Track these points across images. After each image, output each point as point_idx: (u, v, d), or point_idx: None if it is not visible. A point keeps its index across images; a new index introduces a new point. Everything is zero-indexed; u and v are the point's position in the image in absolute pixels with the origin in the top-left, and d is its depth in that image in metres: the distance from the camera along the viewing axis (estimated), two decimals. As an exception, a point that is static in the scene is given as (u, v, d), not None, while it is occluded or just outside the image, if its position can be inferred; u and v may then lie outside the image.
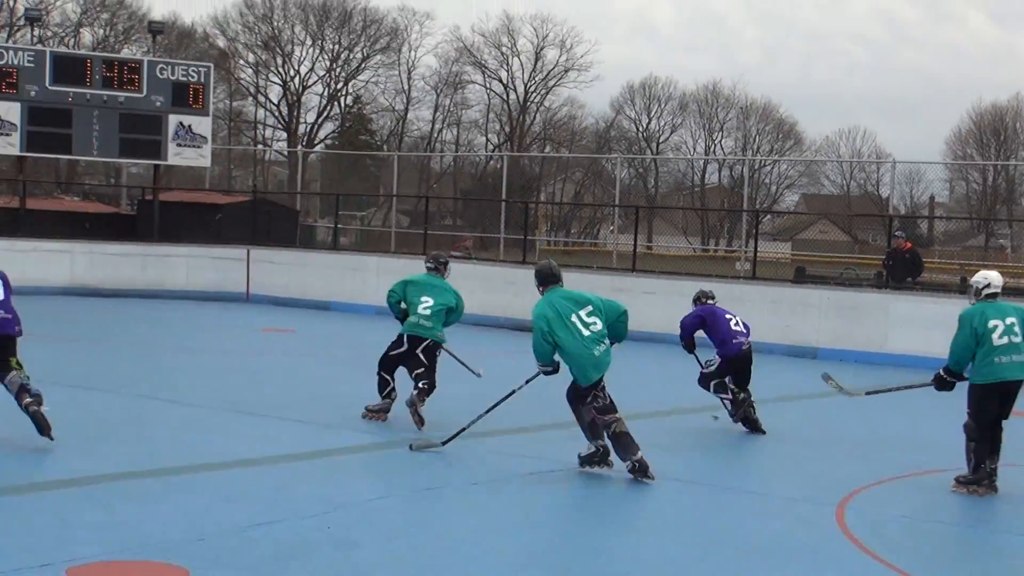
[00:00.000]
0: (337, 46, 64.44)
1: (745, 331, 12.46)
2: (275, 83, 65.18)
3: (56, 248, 27.11)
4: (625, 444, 9.41)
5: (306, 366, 16.80)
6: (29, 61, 27.91)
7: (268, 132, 66.62)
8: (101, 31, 59.76)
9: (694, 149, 68.21)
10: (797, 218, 53.58)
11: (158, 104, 28.95)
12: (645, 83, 68.51)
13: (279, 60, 64.50)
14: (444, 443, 10.30)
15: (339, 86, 65.26)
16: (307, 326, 22.14)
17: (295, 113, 64.53)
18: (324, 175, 56.31)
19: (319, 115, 65.10)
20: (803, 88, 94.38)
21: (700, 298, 13.00)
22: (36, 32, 37.80)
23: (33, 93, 27.75)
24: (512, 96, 66.52)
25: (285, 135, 64.90)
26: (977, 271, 10.25)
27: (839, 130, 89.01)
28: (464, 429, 10.22)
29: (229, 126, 63.09)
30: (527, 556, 7.36)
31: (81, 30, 59.04)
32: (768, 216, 46.46)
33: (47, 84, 27.83)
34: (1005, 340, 9.51)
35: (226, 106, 61.79)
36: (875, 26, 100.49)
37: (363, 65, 64.88)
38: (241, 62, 64.59)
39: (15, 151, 28.46)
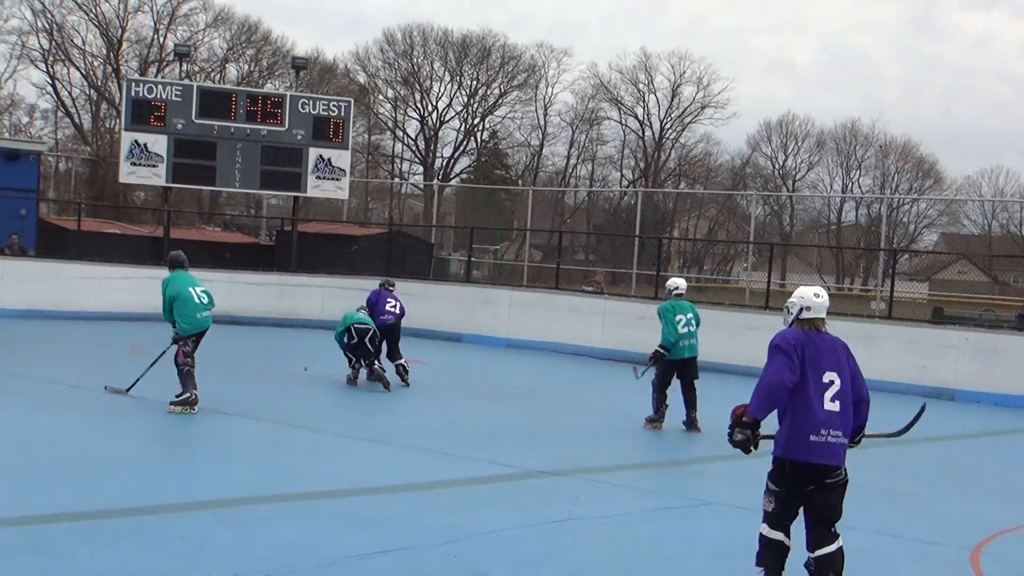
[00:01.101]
0: (475, 82, 65.15)
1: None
2: (413, 118, 66.08)
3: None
4: None
5: (436, 397, 16.93)
6: (177, 95, 28.68)
7: (405, 166, 67.53)
8: (246, 66, 61.17)
9: (831, 187, 67.44)
10: (936, 258, 52.63)
11: (299, 137, 29.54)
12: (782, 120, 68.12)
13: (417, 95, 65.37)
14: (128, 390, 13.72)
15: (476, 121, 65.93)
16: (438, 357, 22.32)
17: (432, 147, 65.29)
18: (459, 208, 56.80)
19: (455, 149, 65.85)
20: (945, 126, 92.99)
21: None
22: (184, 67, 38.77)
23: (180, 126, 28.52)
24: (647, 132, 66.52)
25: (422, 169, 65.67)
26: None
27: (981, 169, 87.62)
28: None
29: (367, 159, 63.99)
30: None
31: (227, 65, 60.49)
32: (906, 255, 45.66)
33: (193, 118, 28.58)
34: None
35: (365, 140, 62.73)
36: (1021, 64, 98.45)
37: (500, 101, 65.49)
38: (380, 97, 65.59)
39: (161, 182, 29.24)
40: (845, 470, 7.01)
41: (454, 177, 65.00)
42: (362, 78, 65.37)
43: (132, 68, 57.07)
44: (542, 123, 65.94)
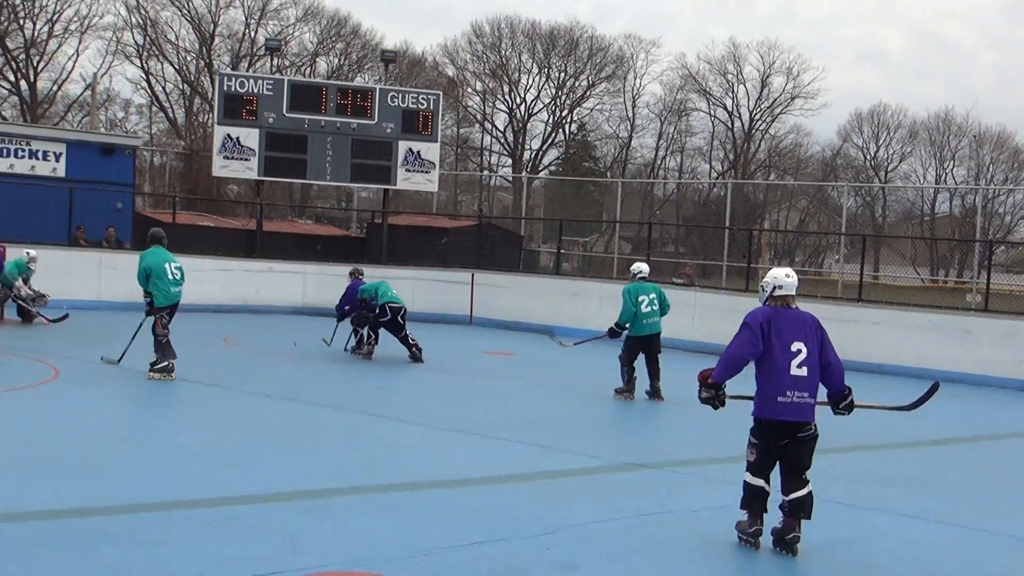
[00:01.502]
0: (563, 74, 65.08)
1: None
2: (501, 110, 66.17)
3: (289, 269, 28.05)
4: None
5: (525, 388, 16.97)
6: (268, 89, 28.99)
7: (494, 158, 67.60)
8: (335, 60, 61.63)
9: (924, 177, 66.54)
10: (1033, 249, 51.62)
11: (389, 131, 29.72)
12: (874, 111, 67.23)
13: (506, 88, 65.44)
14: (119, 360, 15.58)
15: (564, 113, 65.87)
16: (527, 349, 22.37)
17: (520, 140, 65.36)
18: (548, 201, 56.79)
19: (544, 142, 65.81)
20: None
21: None
22: (275, 62, 39.16)
23: (271, 120, 28.83)
24: (737, 123, 66.04)
25: (510, 161, 65.75)
26: None
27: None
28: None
29: (456, 152, 64.20)
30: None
31: (317, 59, 61.00)
32: (1002, 247, 44.89)
33: (284, 111, 28.88)
34: None
35: (453, 133, 62.91)
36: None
37: (588, 92, 65.36)
38: (469, 90, 65.74)
39: (254, 175, 29.57)
40: (815, 426, 8.08)
41: (543, 169, 64.98)
42: (450, 71, 65.62)
43: (224, 63, 57.75)
44: (630, 115, 65.74)
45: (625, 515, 8.93)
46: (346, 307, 19.84)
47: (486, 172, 65.02)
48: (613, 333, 16.02)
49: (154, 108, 61.61)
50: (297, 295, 27.96)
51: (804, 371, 7.99)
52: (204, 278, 26.74)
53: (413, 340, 19.23)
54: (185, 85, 59.59)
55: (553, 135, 65.98)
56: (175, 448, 10.50)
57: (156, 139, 59.71)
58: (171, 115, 60.55)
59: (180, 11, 58.54)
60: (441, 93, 34.17)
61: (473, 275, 28.40)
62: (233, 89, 29.04)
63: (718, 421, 10.20)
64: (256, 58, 58.29)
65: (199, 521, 7.83)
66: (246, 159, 28.97)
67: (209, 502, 8.41)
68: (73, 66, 61.78)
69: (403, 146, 30.01)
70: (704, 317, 23.69)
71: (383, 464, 10.39)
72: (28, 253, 21.58)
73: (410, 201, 46.64)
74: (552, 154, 66.87)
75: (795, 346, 8.03)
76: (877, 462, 11.88)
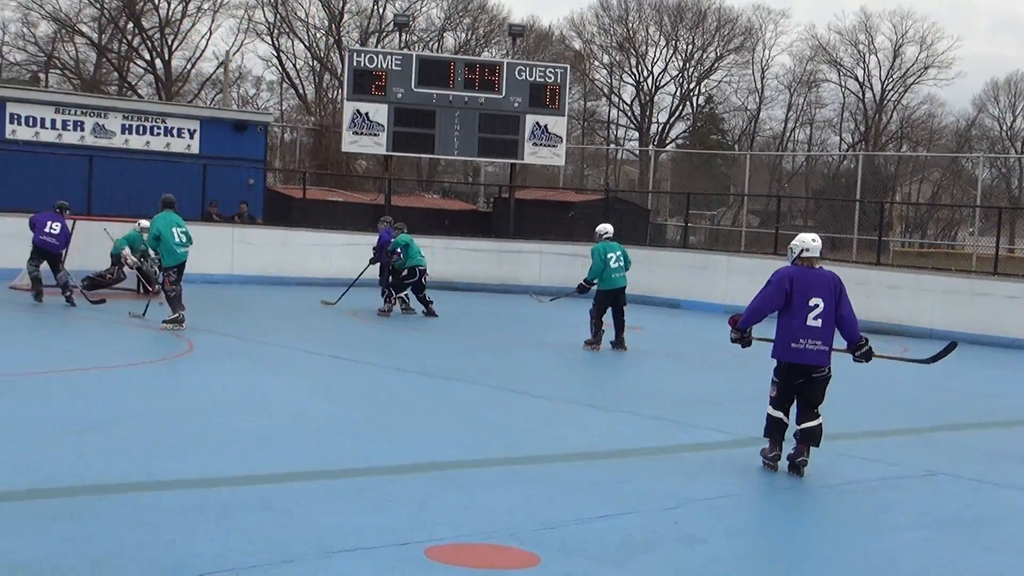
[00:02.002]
0: (690, 46, 64.49)
1: None
2: (628, 83, 65.80)
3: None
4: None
5: (654, 363, 16.93)
6: (396, 65, 29.22)
7: (620, 132, 67.33)
8: (463, 35, 61.78)
9: (1064, 147, 64.77)
10: None
11: (516, 105, 29.78)
12: (1010, 79, 65.53)
13: (633, 61, 65.06)
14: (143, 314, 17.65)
15: (691, 86, 65.30)
16: (655, 324, 22.28)
17: (647, 113, 64.97)
18: (675, 174, 56.42)
19: (671, 115, 65.34)
20: None
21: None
22: (403, 37, 39.44)
23: (400, 95, 29.07)
24: (868, 94, 64.90)
25: (637, 134, 65.43)
26: None
27: None
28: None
29: (583, 126, 64.05)
30: (869, 564, 7.20)
31: (444, 34, 61.22)
32: None
33: (413, 87, 29.10)
34: None
35: (580, 106, 62.77)
36: None
37: (716, 65, 64.69)
38: (596, 63, 65.50)
39: (382, 150, 29.88)
40: (829, 368, 9.40)
41: (670, 142, 64.53)
42: (577, 44, 65.40)
43: (353, 39, 58.25)
44: (759, 86, 64.94)
45: (756, 490, 8.88)
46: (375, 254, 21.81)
47: (613, 146, 64.82)
48: (582, 288, 18.04)
49: (284, 85, 62.45)
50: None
51: (819, 323, 9.27)
52: (333, 253, 27.12)
53: (430, 299, 21.18)
54: (315, 62, 60.24)
55: (680, 108, 65.48)
56: (307, 420, 10.67)
57: (286, 115, 60.50)
58: (301, 91, 61.30)
59: (310, -12, 59.18)
60: (568, 67, 34.11)
61: (600, 249, 28.33)
62: (362, 65, 29.32)
63: (853, 396, 10.11)
64: (384, 34, 58.68)
65: (331, 491, 7.94)
66: (375, 134, 29.25)
67: (341, 473, 8.52)
68: (206, 44, 63.13)
69: (530, 120, 30.04)
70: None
71: (513, 437, 10.44)
72: (140, 224, 21.79)
73: (536, 175, 46.65)
74: (679, 127, 66.41)
75: (813, 301, 9.28)
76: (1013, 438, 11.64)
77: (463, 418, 11.27)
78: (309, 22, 59.82)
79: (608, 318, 17.50)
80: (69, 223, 19.99)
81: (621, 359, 16.89)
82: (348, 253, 27.33)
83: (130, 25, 60.14)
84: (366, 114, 29.15)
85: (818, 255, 9.50)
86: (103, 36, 60.82)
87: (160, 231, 17.15)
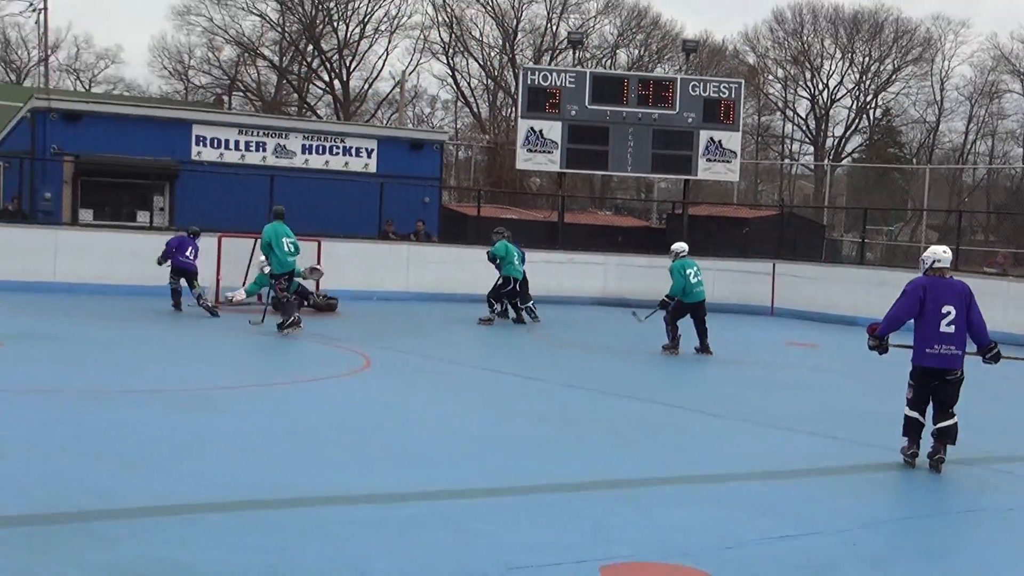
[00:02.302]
0: (867, 58, 63.42)
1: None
2: (803, 97, 65.03)
3: (590, 260, 28.32)
4: None
5: (830, 381, 16.68)
6: (570, 82, 29.37)
7: (795, 146, 66.51)
8: (636, 51, 61.79)
9: None
10: None
11: (690, 120, 29.66)
12: None
13: (808, 74, 64.25)
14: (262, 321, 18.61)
15: (868, 98, 64.19)
16: (831, 341, 21.96)
17: (823, 127, 64.06)
18: (851, 189, 55.52)
19: (847, 128, 64.33)
20: None
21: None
22: (576, 54, 39.62)
23: (573, 112, 29.20)
24: (1055, 104, 62.94)
25: (812, 149, 64.54)
26: None
27: None
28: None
29: (757, 141, 63.45)
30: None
31: (617, 51, 61.31)
32: None
33: (586, 104, 29.18)
34: None
35: (754, 121, 62.20)
36: None
37: (894, 77, 63.49)
38: (770, 77, 64.86)
39: (556, 168, 30.03)
40: (962, 371, 10.04)
41: (845, 156, 63.52)
42: (751, 58, 64.91)
43: (527, 57, 58.72)
44: (938, 98, 63.53)
45: (936, 512, 8.71)
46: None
47: (787, 160, 64.05)
48: (664, 304, 18.55)
49: (459, 103, 63.26)
50: (598, 286, 28.19)
51: (952, 328, 9.95)
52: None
53: (523, 306, 22.31)
54: (489, 80, 60.90)
55: (857, 121, 64.42)
56: (483, 437, 10.77)
57: (461, 134, 61.24)
58: (475, 110, 62.01)
59: (484, 8, 59.93)
60: (742, 81, 33.87)
61: (774, 265, 28.04)
62: (536, 83, 29.52)
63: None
64: (558, 51, 59.04)
65: (509, 508, 8.02)
66: (549, 152, 29.41)
67: (519, 489, 8.59)
68: (383, 65, 63.99)
69: (704, 135, 29.89)
70: (1017, 308, 22.69)
71: (691, 455, 10.40)
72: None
73: (709, 191, 46.39)
74: (855, 140, 65.34)
75: (945, 308, 9.96)
76: None
77: (640, 435, 11.26)
78: (484, 41, 60.58)
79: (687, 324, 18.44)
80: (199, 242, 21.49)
81: (799, 377, 16.68)
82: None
83: (310, 48, 61.60)
84: (540, 131, 29.33)
85: (948, 266, 10.21)
86: (284, 59, 62.45)
87: (270, 240, 18.36)
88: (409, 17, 60.72)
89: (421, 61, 61.62)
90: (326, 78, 62.90)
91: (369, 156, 30.30)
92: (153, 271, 21.48)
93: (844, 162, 61.93)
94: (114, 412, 10.80)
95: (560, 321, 23.32)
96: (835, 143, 64.08)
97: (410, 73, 59.95)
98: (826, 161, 56.47)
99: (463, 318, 22.58)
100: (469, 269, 26.93)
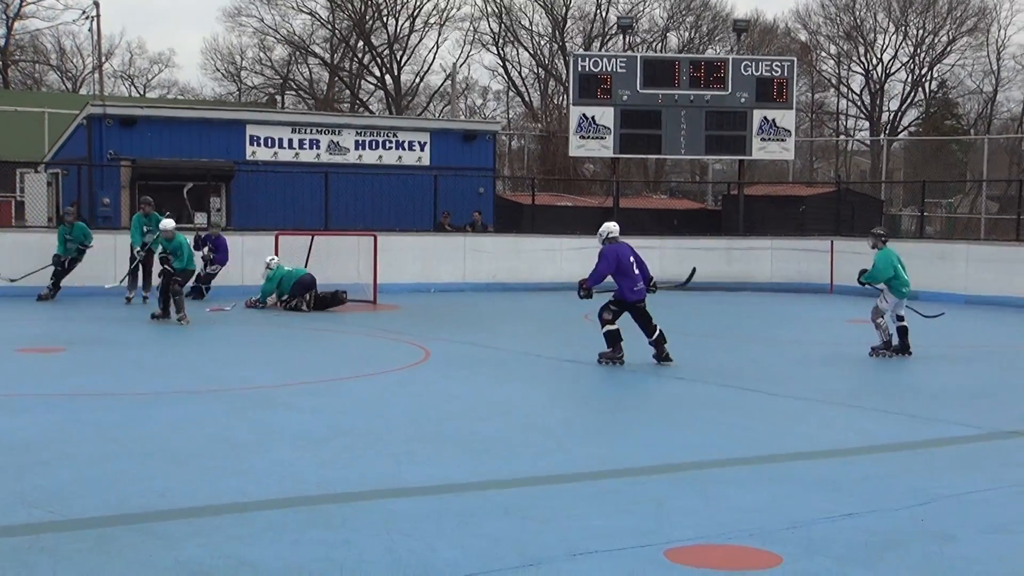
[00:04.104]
0: (921, 31, 62.69)
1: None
2: (857, 72, 64.42)
3: (646, 244, 28.08)
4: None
5: (894, 358, 16.51)
6: (621, 67, 29.30)
7: (850, 122, 65.95)
8: (686, 33, 61.51)
9: None
10: None
11: (742, 100, 29.52)
12: None
13: (861, 49, 63.66)
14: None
15: (923, 71, 63.47)
16: (894, 317, 21.74)
17: (877, 102, 63.44)
18: (907, 163, 54.93)
19: (902, 102, 63.68)
20: None
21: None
22: (627, 39, 39.49)
23: (625, 97, 29.14)
24: (1115, 69, 62.00)
25: (867, 124, 63.95)
26: None
27: None
28: None
29: (811, 118, 62.96)
30: None
31: (668, 34, 61.05)
32: None
33: (638, 88, 29.10)
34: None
35: (808, 99, 61.72)
36: None
37: (948, 48, 62.71)
38: (823, 54, 64.33)
39: (610, 153, 29.98)
40: (644, 300, 14.64)
41: (902, 130, 62.85)
42: (803, 36, 64.35)
43: (577, 44, 58.58)
44: (995, 68, 62.72)
45: (1003, 485, 8.57)
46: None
47: (843, 137, 63.51)
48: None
49: (510, 93, 63.23)
50: (654, 270, 27.86)
51: (637, 272, 14.58)
52: (563, 257, 27.31)
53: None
54: (540, 69, 60.83)
55: (912, 94, 63.73)
56: (543, 425, 10.75)
57: (513, 123, 61.24)
58: (527, 99, 61.97)
59: (533, -3, 59.81)
60: (795, 59, 33.61)
61: (832, 242, 27.83)
62: (587, 69, 29.47)
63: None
64: (608, 37, 58.85)
65: (571, 495, 7.99)
66: (601, 137, 29.37)
67: (580, 476, 8.57)
68: (433, 58, 64.42)
69: (758, 115, 29.73)
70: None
71: (752, 435, 10.33)
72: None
73: (764, 171, 46.05)
74: (911, 114, 64.64)
75: (631, 259, 14.57)
76: None
77: (701, 417, 11.21)
78: (533, 30, 60.49)
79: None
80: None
81: (860, 354, 16.53)
82: (578, 257, 27.47)
83: (360, 44, 61.78)
84: (592, 118, 29.28)
85: (618, 235, 14.78)
86: (335, 56, 62.71)
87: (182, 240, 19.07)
88: (458, 9, 61.07)
89: (471, 52, 61.99)
90: (377, 73, 63.10)
91: (422, 149, 30.34)
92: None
93: (900, 136, 61.30)
94: (173, 413, 10.88)
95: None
96: (891, 117, 63.46)
97: (461, 65, 60.05)
98: (882, 136, 55.95)
99: (521, 307, 22.59)
100: (525, 258, 26.95)
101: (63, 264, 21.50)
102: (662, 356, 14.58)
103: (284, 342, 17.48)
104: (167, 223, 19.08)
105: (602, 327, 14.58)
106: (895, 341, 15.98)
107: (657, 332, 14.60)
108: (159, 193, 25.21)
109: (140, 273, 21.71)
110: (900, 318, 16.18)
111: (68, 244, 21.63)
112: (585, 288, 14.58)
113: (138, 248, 21.40)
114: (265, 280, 21.31)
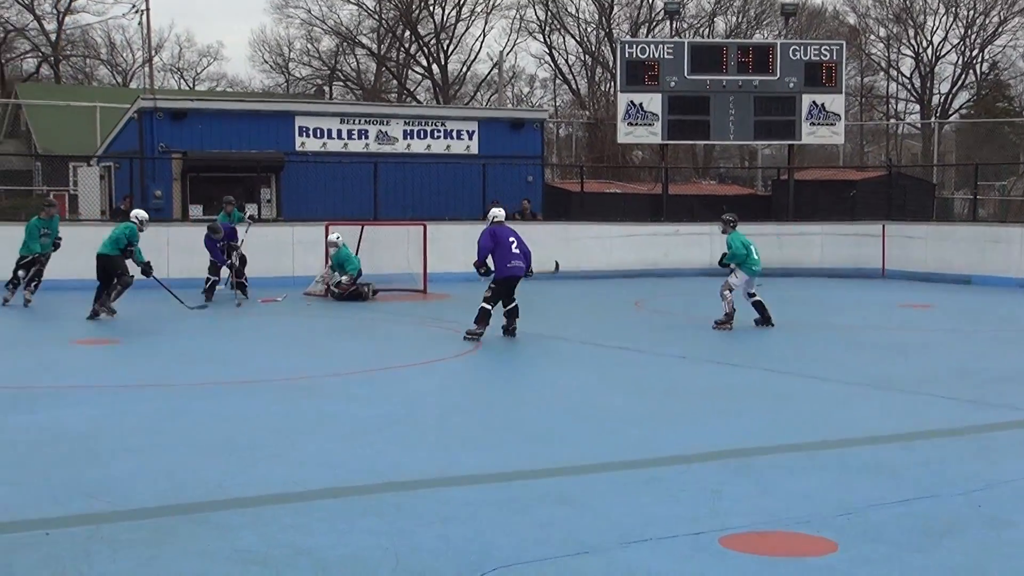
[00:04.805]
0: (972, 12, 62.02)
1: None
2: (907, 55, 63.79)
3: (696, 231, 28.14)
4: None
5: (947, 342, 16.40)
6: (668, 53, 29.20)
7: (900, 105, 65.38)
8: (734, 18, 61.16)
9: None
10: None
11: (791, 85, 29.36)
12: None
13: (911, 32, 63.06)
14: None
15: (974, 53, 62.80)
16: (946, 301, 21.59)
17: (928, 84, 62.85)
18: (959, 146, 54.40)
19: (953, 85, 63.02)
20: None
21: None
22: (673, 25, 39.34)
23: (673, 84, 29.03)
24: None
25: (918, 107, 63.39)
26: None
27: None
28: None
29: (861, 102, 62.47)
30: None
31: (715, 19, 60.73)
32: None
33: (686, 74, 28.99)
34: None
35: (857, 82, 61.24)
36: None
37: (1000, 29, 62.00)
38: (872, 37, 63.79)
39: (658, 140, 29.92)
40: (519, 279, 15.69)
41: (953, 113, 62.22)
42: (852, 19, 63.82)
43: (623, 31, 58.37)
44: (1048, 49, 62.02)
45: (1063, 470, 8.50)
46: None
47: (893, 120, 62.99)
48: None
49: (557, 81, 63.13)
50: (704, 256, 27.96)
51: (518, 251, 15.64)
52: (612, 244, 27.27)
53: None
54: (587, 56, 60.66)
55: (963, 77, 63.07)
56: (597, 411, 10.75)
57: (561, 111, 61.13)
58: (574, 86, 61.83)
59: (579, -16, 59.65)
60: (843, 43, 33.35)
61: (884, 227, 27.64)
62: (634, 56, 29.39)
63: None
64: (655, 23, 58.61)
65: (624, 482, 7.99)
66: (650, 124, 29.29)
67: (633, 464, 8.57)
68: (480, 46, 64.27)
69: (806, 100, 29.55)
70: None
71: (805, 422, 10.28)
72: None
73: (814, 155, 45.76)
74: (962, 96, 63.97)
75: (510, 239, 15.65)
76: None
77: (752, 404, 11.16)
78: (579, 17, 60.30)
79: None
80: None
81: (915, 338, 16.42)
82: (627, 245, 27.47)
83: (407, 33, 61.86)
84: (640, 104, 29.20)
85: (504, 219, 16.27)
86: (382, 46, 62.81)
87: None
88: (504, -2, 60.65)
89: (518, 41, 61.84)
90: (424, 63, 63.13)
91: (470, 138, 30.36)
92: (263, 263, 21.77)
93: (952, 119, 60.70)
94: (227, 403, 10.97)
95: (670, 293, 23.23)
96: (941, 100, 62.84)
97: (507, 53, 60.01)
98: (933, 119, 55.45)
99: (571, 295, 22.58)
100: (574, 245, 26.91)
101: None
102: (510, 329, 15.85)
103: (335, 332, 17.55)
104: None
105: (481, 302, 15.69)
106: (756, 315, 17.37)
107: (513, 305, 15.85)
108: (212, 185, 25.41)
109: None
110: (752, 294, 17.35)
111: (43, 239, 19.97)
112: (476, 266, 16.07)
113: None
114: (345, 259, 21.20)
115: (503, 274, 15.63)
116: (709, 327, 17.09)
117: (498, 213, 16.37)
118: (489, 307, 15.50)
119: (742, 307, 17.12)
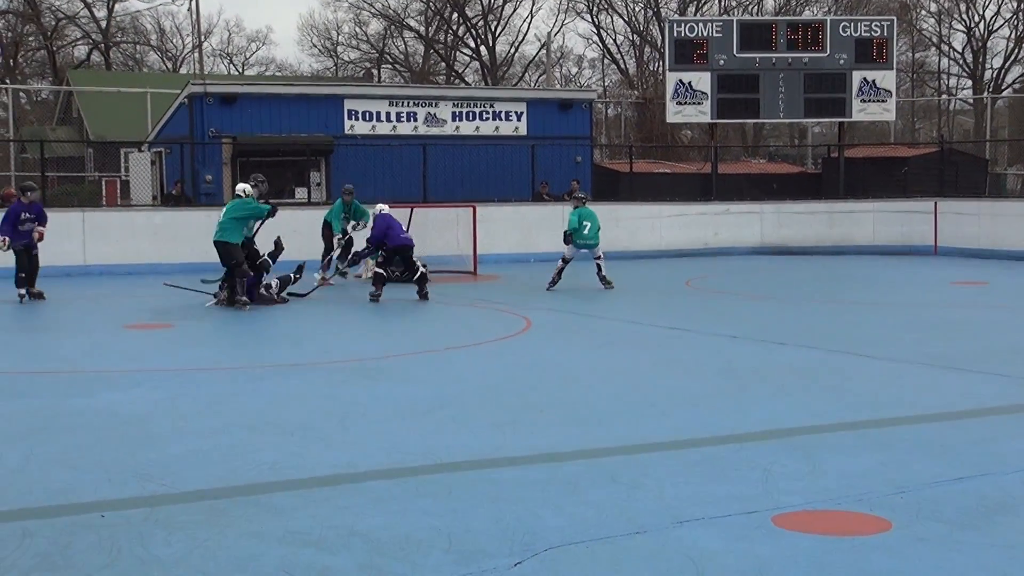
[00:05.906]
0: (1025, -16, 61.30)
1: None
2: (959, 30, 63.14)
3: (746, 210, 28.06)
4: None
5: (1002, 319, 16.26)
6: (717, 31, 29.09)
7: (952, 81, 64.75)
8: (782, -5, 60.70)
9: None
10: None
11: (841, 62, 29.17)
12: None
13: (963, 6, 62.40)
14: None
15: (1029, 26, 62.07)
16: (1000, 278, 21.39)
17: (980, 59, 62.19)
18: (1013, 121, 53.85)
19: (1006, 59, 62.31)
20: None
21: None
22: (722, 3, 39.17)
23: (722, 62, 28.93)
24: None
25: (970, 83, 62.74)
26: None
27: None
28: None
29: (912, 78, 61.92)
30: None
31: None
32: None
33: (735, 52, 28.86)
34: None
35: (908, 58, 60.69)
36: None
37: (1054, 1, 61.24)
38: (923, 12, 63.17)
39: (707, 119, 29.78)
40: (409, 249, 18.43)
41: (1006, 88, 61.54)
42: (902, -6, 63.22)
43: (671, 10, 58.10)
44: (1102, 20, 61.13)
45: (1119, 448, 8.41)
46: None
47: (944, 96, 62.40)
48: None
49: (606, 61, 62.96)
50: (755, 235, 27.91)
51: (405, 231, 18.69)
52: (662, 224, 27.21)
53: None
54: (635, 35, 60.45)
55: (1016, 51, 62.33)
56: (647, 392, 10.74)
57: (609, 91, 60.95)
58: (622, 66, 61.64)
59: (626, -37, 59.40)
60: (894, 18, 33.06)
61: (936, 204, 27.42)
62: (683, 35, 29.27)
63: None
64: (703, 2, 58.30)
65: (676, 462, 7.98)
66: (699, 103, 29.18)
67: (685, 443, 8.56)
68: (528, 27, 64.31)
69: (857, 76, 29.34)
70: None
71: (858, 400, 10.21)
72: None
73: (865, 132, 45.44)
74: (1015, 71, 63.24)
75: (396, 223, 18.42)
76: None
77: (804, 383, 11.12)
78: (627, -4, 60.03)
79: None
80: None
81: (969, 316, 16.28)
82: (677, 224, 27.41)
83: (455, 15, 61.87)
84: (689, 83, 29.10)
85: (390, 211, 18.78)
86: (430, 29, 62.87)
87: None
88: (553, -23, 60.45)
89: (566, 21, 61.85)
90: (472, 45, 63.18)
91: (519, 119, 30.36)
92: (312, 246, 21.88)
93: (1004, 94, 60.06)
94: (279, 385, 11.06)
95: (720, 272, 23.14)
96: (994, 75, 62.16)
97: (555, 34, 59.99)
98: (985, 94, 54.87)
99: (621, 275, 22.53)
100: (624, 226, 26.87)
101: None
102: (422, 294, 18.37)
103: (385, 314, 17.62)
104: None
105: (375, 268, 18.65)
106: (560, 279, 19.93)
107: (419, 273, 18.38)
108: (262, 169, 25.51)
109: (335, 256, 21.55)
110: (597, 258, 19.98)
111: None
112: (369, 253, 19.08)
113: (339, 235, 21.39)
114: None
115: (394, 243, 18.44)
116: (757, 304, 17.00)
117: (381, 207, 19.11)
118: (381, 271, 18.36)
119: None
